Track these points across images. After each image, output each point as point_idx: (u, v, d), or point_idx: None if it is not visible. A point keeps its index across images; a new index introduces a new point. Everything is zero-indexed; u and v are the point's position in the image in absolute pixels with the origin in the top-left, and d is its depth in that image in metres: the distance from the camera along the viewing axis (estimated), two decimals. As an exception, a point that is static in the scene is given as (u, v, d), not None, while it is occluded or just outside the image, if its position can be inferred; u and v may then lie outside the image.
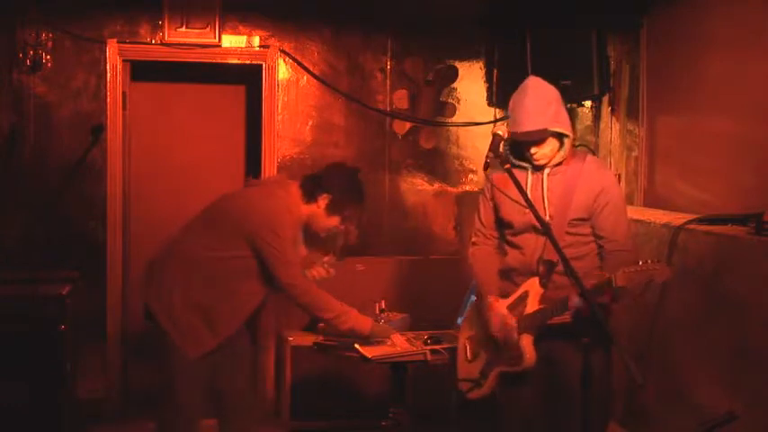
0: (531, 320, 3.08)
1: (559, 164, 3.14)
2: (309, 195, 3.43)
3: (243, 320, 3.46)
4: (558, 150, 3.12)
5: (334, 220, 3.48)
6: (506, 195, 3.15)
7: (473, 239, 3.39)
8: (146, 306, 3.39)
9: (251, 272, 3.37)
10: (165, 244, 3.49)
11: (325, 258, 3.67)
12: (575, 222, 3.12)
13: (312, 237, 3.60)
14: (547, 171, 3.15)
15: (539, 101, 3.06)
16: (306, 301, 3.40)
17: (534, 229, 3.12)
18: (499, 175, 3.21)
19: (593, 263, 3.13)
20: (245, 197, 3.51)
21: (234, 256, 3.33)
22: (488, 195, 3.31)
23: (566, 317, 2.98)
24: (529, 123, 3.04)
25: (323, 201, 3.43)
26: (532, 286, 3.12)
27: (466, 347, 3.41)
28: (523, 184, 3.10)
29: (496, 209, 3.28)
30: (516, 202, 3.04)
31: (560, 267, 3.01)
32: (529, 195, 3.03)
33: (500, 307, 3.16)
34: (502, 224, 3.29)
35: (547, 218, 3.07)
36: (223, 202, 3.51)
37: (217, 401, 3.56)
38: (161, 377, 3.42)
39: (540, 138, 3.06)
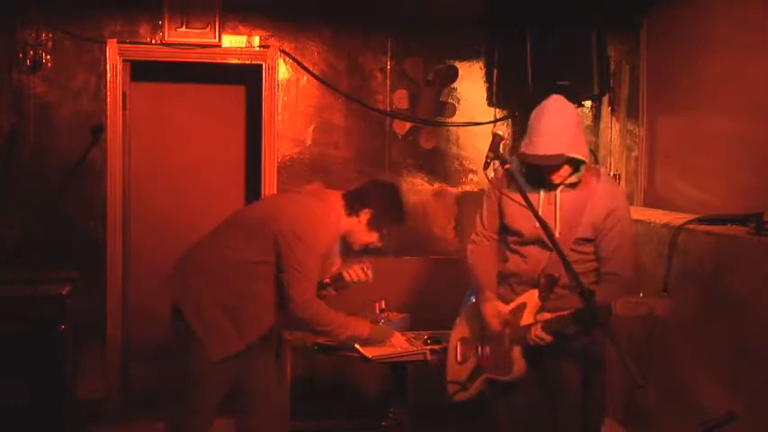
0: (525, 333, 3.06)
1: (574, 184, 3.11)
2: (351, 208, 3.39)
3: (268, 326, 3.40)
4: (573, 173, 3.08)
5: (373, 236, 3.44)
6: (515, 202, 3.09)
7: (472, 238, 3.37)
8: (175, 304, 3.35)
9: (274, 279, 3.31)
10: (194, 244, 3.46)
11: (364, 261, 3.61)
12: (580, 241, 3.10)
13: (346, 248, 3.55)
14: (560, 188, 3.12)
15: (557, 124, 2.99)
16: (306, 316, 3.32)
17: (540, 241, 3.11)
18: (507, 185, 3.17)
19: (590, 280, 3.12)
20: (281, 200, 3.51)
21: (263, 260, 3.28)
22: (494, 199, 3.27)
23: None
24: (545, 147, 2.98)
25: (364, 216, 3.39)
26: (531, 299, 3.11)
27: (456, 349, 3.40)
28: (536, 199, 3.08)
29: (502, 214, 3.26)
30: (525, 208, 3.01)
31: (563, 281, 3.01)
32: (540, 210, 3.01)
33: (496, 302, 3.15)
34: (507, 230, 3.26)
35: (557, 234, 3.04)
36: (257, 205, 3.50)
37: (240, 404, 3.54)
38: (181, 377, 3.38)
39: (555, 163, 3.01)
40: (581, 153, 3.03)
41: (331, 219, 3.35)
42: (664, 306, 2.71)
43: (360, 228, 3.40)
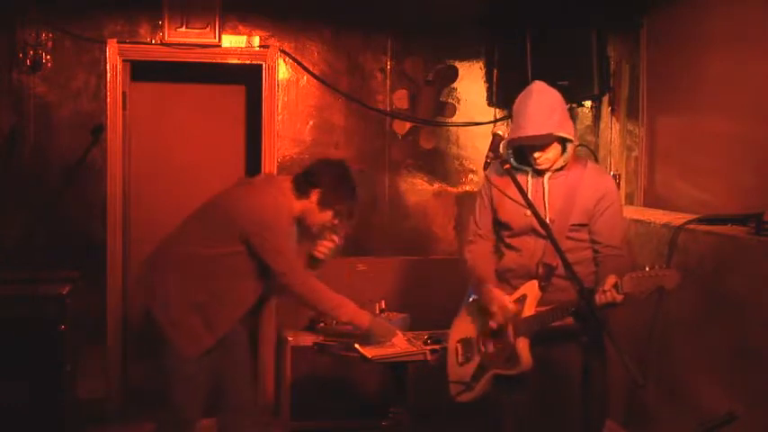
0: (528, 324, 3.07)
1: (561, 168, 3.14)
2: (301, 190, 3.44)
3: (239, 317, 3.47)
4: (561, 155, 3.12)
5: (326, 215, 3.47)
6: (507, 196, 3.14)
7: (469, 238, 3.38)
8: (144, 306, 3.40)
9: (246, 268, 3.38)
10: (159, 244, 3.51)
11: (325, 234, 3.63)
12: (575, 227, 3.11)
13: (306, 233, 3.59)
14: (548, 175, 3.15)
15: (543, 106, 3.05)
16: (302, 291, 3.40)
17: (534, 231, 3.12)
18: (498, 177, 3.21)
19: (590, 268, 3.13)
20: (236, 195, 3.51)
21: (229, 252, 3.34)
22: (486, 198, 3.30)
23: (567, 320, 2.98)
24: (534, 128, 3.03)
25: (314, 195, 3.43)
26: (531, 289, 3.11)
27: (457, 350, 3.40)
28: (524, 188, 3.09)
29: (494, 211, 3.28)
30: (517, 202, 3.03)
31: (560, 270, 3.02)
32: (530, 198, 3.03)
33: (500, 294, 3.14)
34: (500, 226, 3.28)
35: (548, 218, 3.07)
36: (215, 200, 3.53)
37: (217, 399, 3.57)
38: (160, 377, 3.42)
39: (544, 142, 3.06)
40: (568, 132, 3.09)
41: (283, 202, 3.42)
42: (673, 278, 2.71)
43: (312, 208, 3.45)
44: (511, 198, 3.10)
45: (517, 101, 3.14)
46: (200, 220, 3.47)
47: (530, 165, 3.15)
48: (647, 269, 2.75)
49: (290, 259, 3.38)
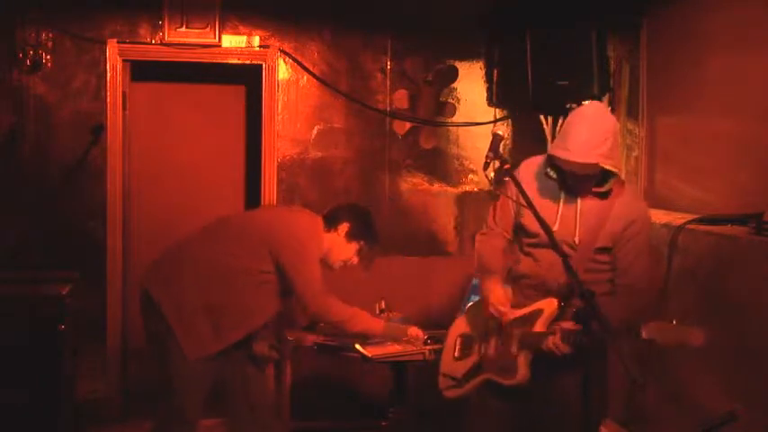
0: (535, 340, 2.98)
1: (605, 193, 2.99)
2: (331, 223, 3.57)
3: (249, 331, 3.47)
4: (602, 182, 2.97)
5: (352, 248, 3.59)
6: (532, 211, 2.88)
7: (482, 231, 3.28)
8: (150, 294, 3.37)
9: (269, 287, 3.44)
10: (184, 239, 3.52)
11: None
12: (599, 250, 3.01)
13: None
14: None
15: (596, 132, 2.87)
16: (321, 309, 3.49)
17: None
18: (528, 183, 3.05)
19: (603, 288, 2.98)
20: (274, 212, 3.68)
21: (254, 269, 3.40)
22: (511, 200, 3.13)
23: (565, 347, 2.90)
24: (581, 154, 2.85)
25: (343, 228, 3.56)
26: (549, 306, 3.01)
27: (455, 344, 3.37)
28: (556, 203, 3.02)
29: (518, 213, 3.15)
30: (548, 209, 2.93)
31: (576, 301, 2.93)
32: (560, 214, 2.98)
33: (500, 291, 3.09)
34: (523, 231, 3.15)
35: (576, 239, 2.98)
36: (250, 214, 3.65)
37: (229, 413, 3.60)
38: (160, 376, 3.41)
39: (588, 172, 2.90)
40: (615, 165, 2.93)
41: (318, 230, 3.54)
42: (697, 338, 2.58)
43: (339, 240, 3.57)
44: (531, 210, 2.85)
45: (570, 118, 2.97)
46: (232, 230, 3.51)
47: (571, 184, 3.00)
48: (674, 322, 2.62)
49: (315, 281, 3.44)
